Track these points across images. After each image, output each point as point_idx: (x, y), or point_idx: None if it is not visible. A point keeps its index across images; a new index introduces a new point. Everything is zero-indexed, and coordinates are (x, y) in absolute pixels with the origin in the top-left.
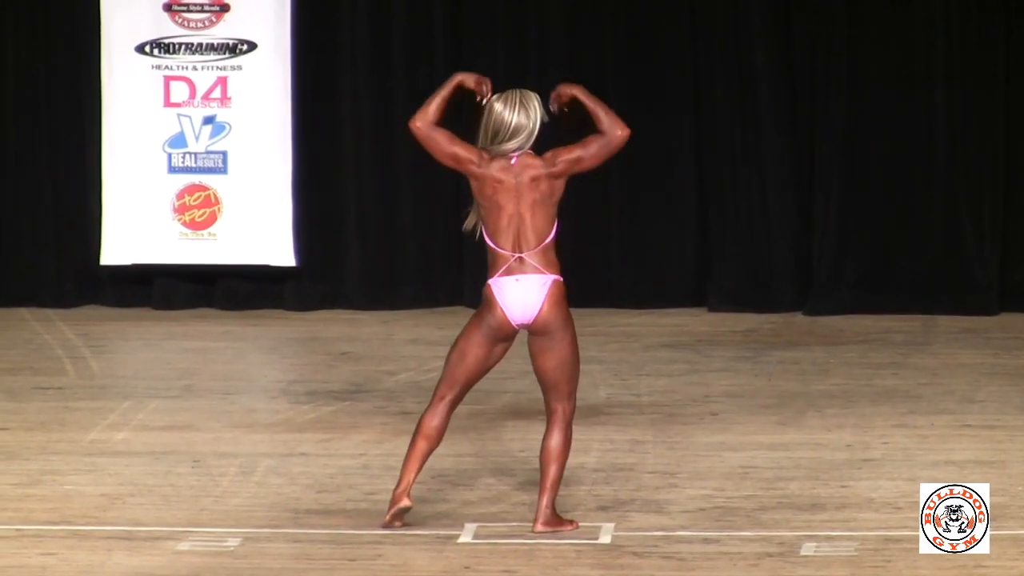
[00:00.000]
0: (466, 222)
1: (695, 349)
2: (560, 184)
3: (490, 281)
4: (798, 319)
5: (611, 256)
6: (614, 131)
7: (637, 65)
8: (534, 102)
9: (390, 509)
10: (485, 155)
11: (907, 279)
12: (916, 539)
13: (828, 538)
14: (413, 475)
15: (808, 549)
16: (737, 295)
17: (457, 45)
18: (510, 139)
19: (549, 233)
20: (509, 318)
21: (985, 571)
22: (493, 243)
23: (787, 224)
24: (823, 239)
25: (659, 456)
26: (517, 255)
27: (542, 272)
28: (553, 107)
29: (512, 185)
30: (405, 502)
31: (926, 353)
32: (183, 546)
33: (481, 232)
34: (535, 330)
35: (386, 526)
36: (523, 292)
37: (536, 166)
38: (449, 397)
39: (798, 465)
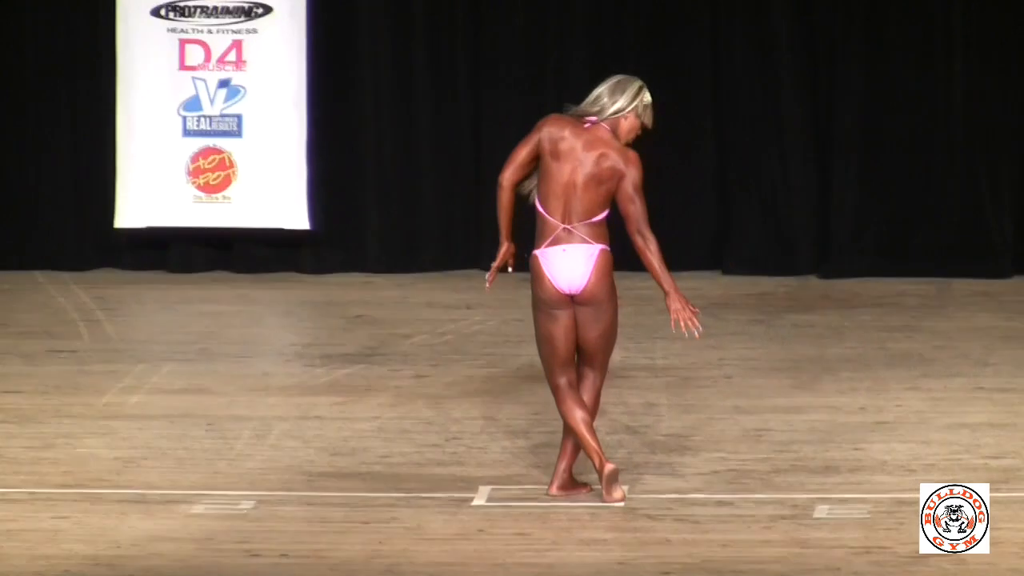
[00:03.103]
0: (526, 183)
1: (710, 312)
2: (613, 186)
3: (536, 252)
4: (812, 283)
5: None
6: (636, 238)
7: (657, 33)
8: (631, 88)
9: (607, 485)
10: (554, 116)
11: (924, 244)
12: None
13: (841, 501)
14: (596, 443)
15: (821, 512)
16: (755, 260)
17: (476, 9)
18: (592, 104)
19: (599, 213)
20: (557, 288)
21: (994, 533)
22: (543, 208)
23: (805, 189)
24: (842, 204)
25: (673, 419)
26: (565, 226)
27: (589, 242)
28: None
29: (576, 144)
30: (610, 466)
31: (940, 316)
32: (197, 509)
33: (534, 199)
34: (581, 300)
35: (624, 498)
36: (570, 263)
37: (611, 147)
38: (565, 380)
39: (812, 428)
